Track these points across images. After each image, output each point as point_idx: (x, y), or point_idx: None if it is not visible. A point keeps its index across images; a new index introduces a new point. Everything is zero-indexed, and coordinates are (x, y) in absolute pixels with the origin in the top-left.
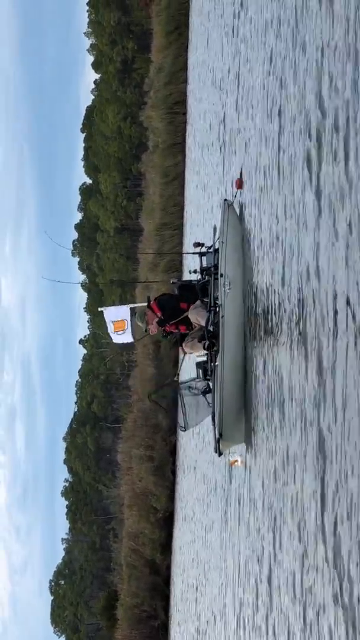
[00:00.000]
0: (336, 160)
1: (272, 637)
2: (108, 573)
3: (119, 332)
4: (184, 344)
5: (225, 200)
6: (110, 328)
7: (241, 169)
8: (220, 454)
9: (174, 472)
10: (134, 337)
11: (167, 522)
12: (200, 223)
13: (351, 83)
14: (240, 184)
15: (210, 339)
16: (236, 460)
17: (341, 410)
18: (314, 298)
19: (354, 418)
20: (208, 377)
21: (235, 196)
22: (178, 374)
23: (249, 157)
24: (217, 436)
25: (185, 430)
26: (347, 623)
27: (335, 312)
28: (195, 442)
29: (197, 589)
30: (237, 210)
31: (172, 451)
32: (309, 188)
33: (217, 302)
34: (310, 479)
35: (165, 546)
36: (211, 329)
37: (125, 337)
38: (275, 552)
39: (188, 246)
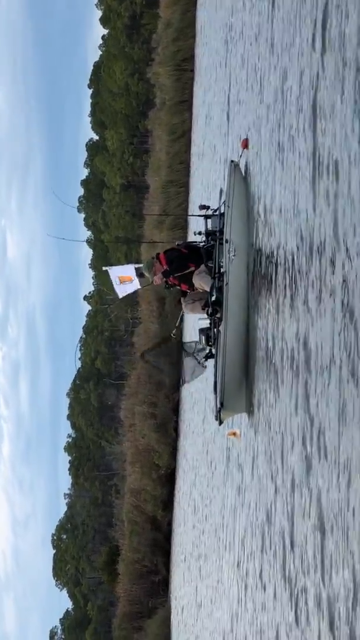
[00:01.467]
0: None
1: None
2: (110, 528)
3: (125, 283)
4: (184, 303)
5: (232, 161)
6: (116, 282)
7: (248, 129)
8: (221, 423)
9: (176, 430)
10: (140, 285)
11: (169, 479)
12: (207, 182)
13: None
14: (246, 144)
15: (214, 306)
16: (235, 433)
17: (338, 380)
18: (320, 262)
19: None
20: (210, 344)
21: (241, 156)
22: (174, 332)
23: (257, 117)
24: (219, 405)
25: (183, 384)
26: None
27: (344, 280)
28: (197, 409)
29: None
30: (243, 171)
31: (175, 409)
32: (317, 147)
33: (221, 269)
34: (305, 446)
35: (167, 503)
36: (215, 296)
37: (133, 286)
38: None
39: (194, 204)
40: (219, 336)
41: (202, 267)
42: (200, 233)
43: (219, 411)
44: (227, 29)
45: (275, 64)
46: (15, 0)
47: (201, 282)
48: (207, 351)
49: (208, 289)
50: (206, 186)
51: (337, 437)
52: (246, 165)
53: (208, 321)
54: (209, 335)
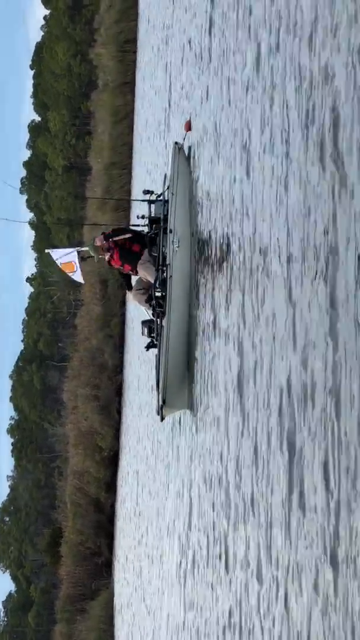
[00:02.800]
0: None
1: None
2: (53, 510)
3: (69, 273)
4: (133, 292)
5: (176, 143)
6: (60, 267)
7: (190, 111)
8: (162, 419)
9: (119, 412)
10: (83, 279)
11: (112, 461)
12: (149, 164)
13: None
14: (189, 127)
15: (157, 299)
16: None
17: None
18: (261, 251)
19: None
20: (152, 335)
21: (185, 139)
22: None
23: (199, 99)
24: (161, 402)
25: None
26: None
27: (288, 262)
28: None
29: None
30: (187, 153)
31: (118, 390)
32: (261, 130)
33: (165, 261)
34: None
35: (110, 485)
36: (158, 290)
37: (76, 277)
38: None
39: (137, 186)
40: (161, 331)
41: (146, 254)
42: (143, 217)
43: (161, 408)
44: (169, 9)
45: (216, 44)
46: None
47: (146, 272)
48: (149, 341)
49: (152, 281)
50: (149, 169)
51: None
52: (189, 148)
53: (151, 312)
54: (152, 327)
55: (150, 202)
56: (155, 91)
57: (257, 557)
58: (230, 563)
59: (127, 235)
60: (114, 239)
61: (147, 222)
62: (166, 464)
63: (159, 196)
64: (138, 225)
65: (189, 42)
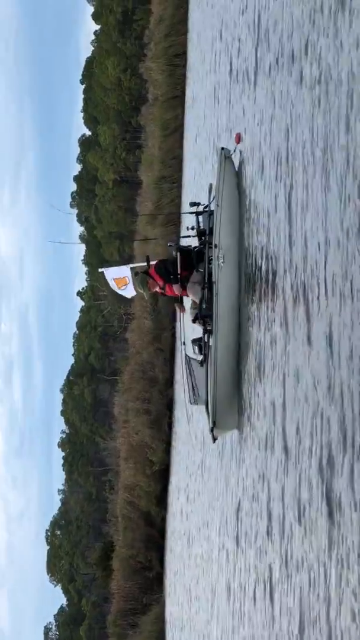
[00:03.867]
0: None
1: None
2: (104, 524)
3: (122, 288)
4: (180, 309)
5: (222, 148)
6: (113, 285)
7: (241, 124)
8: (214, 440)
9: (170, 426)
10: (136, 291)
11: (162, 475)
12: (199, 178)
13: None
14: (239, 139)
15: (204, 318)
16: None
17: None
18: (313, 268)
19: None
20: (203, 353)
21: (234, 151)
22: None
23: (250, 112)
24: (211, 425)
25: (194, 404)
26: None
27: (334, 282)
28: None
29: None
30: (236, 164)
31: (169, 404)
32: (314, 145)
33: (211, 277)
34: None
35: (161, 499)
36: (204, 308)
37: (129, 290)
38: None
39: (187, 200)
40: (209, 351)
41: (195, 275)
42: (192, 228)
43: (211, 430)
44: (220, 24)
45: (266, 56)
46: None
47: (193, 295)
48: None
49: (198, 301)
50: (198, 182)
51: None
52: (240, 160)
53: (201, 330)
54: (201, 345)
55: (197, 214)
56: (204, 104)
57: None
58: (275, 590)
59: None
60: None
61: (194, 231)
62: (215, 482)
63: (205, 207)
64: (188, 236)
65: (238, 55)
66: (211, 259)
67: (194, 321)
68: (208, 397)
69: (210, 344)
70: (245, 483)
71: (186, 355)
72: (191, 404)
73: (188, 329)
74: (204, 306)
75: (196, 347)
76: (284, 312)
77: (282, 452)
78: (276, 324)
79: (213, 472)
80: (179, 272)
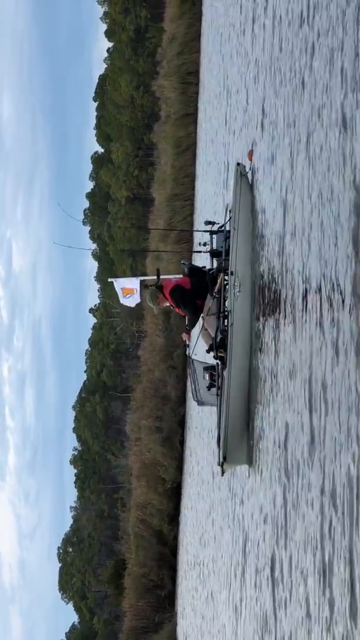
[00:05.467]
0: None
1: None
2: (116, 542)
3: (127, 296)
4: (187, 339)
5: (238, 164)
6: (120, 294)
7: (253, 141)
8: (223, 474)
9: (182, 443)
10: (141, 299)
11: (174, 492)
12: (212, 195)
13: None
14: (252, 156)
15: (219, 349)
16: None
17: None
18: (332, 297)
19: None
20: (213, 382)
21: (250, 168)
22: (187, 346)
23: (264, 128)
24: (221, 459)
25: (201, 404)
26: None
27: (352, 309)
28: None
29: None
30: (250, 181)
31: (181, 422)
32: (329, 159)
33: (226, 307)
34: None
35: (173, 517)
36: (219, 339)
37: (134, 299)
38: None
39: (199, 218)
40: (222, 383)
41: (211, 305)
42: (205, 244)
43: (221, 464)
44: (231, 42)
45: (276, 69)
46: (22, 12)
47: (209, 327)
48: (211, 385)
49: (213, 333)
50: (211, 199)
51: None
52: (253, 178)
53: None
54: (213, 375)
55: (212, 232)
56: (217, 122)
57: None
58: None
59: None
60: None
61: (208, 248)
62: (224, 511)
63: (220, 227)
64: (200, 252)
65: (249, 72)
66: (226, 286)
67: (208, 351)
68: (220, 430)
69: (224, 375)
70: (251, 518)
71: (191, 358)
72: (198, 405)
73: (197, 338)
74: (219, 336)
75: (207, 375)
76: (296, 340)
77: (288, 488)
78: (287, 355)
79: (221, 505)
80: (195, 302)
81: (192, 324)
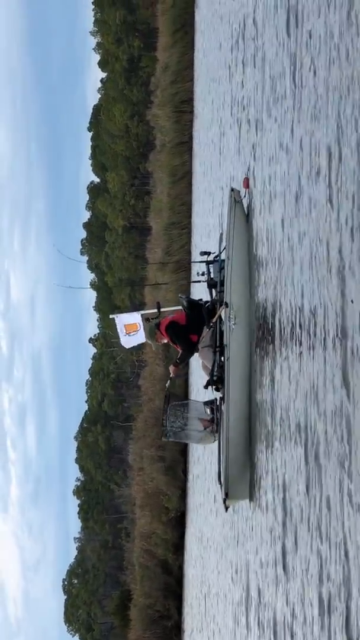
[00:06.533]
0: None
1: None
2: (121, 572)
3: (131, 334)
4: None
5: (232, 190)
6: (122, 331)
7: (248, 168)
8: (226, 509)
9: (185, 472)
10: (145, 338)
11: (179, 521)
12: (208, 224)
13: None
14: (247, 184)
15: (216, 383)
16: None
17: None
18: (327, 328)
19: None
20: (213, 416)
21: (245, 196)
22: (170, 380)
23: (257, 156)
24: (224, 496)
25: (166, 439)
26: None
27: (354, 349)
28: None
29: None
30: (245, 210)
31: (184, 451)
32: (323, 190)
33: (223, 342)
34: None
35: (178, 546)
36: (216, 375)
37: (138, 338)
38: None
39: (196, 247)
40: (221, 417)
41: (206, 337)
42: (203, 274)
43: (224, 501)
44: (225, 69)
45: (270, 96)
46: (15, 43)
47: (205, 360)
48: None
49: (210, 367)
50: (208, 229)
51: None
52: (248, 206)
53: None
54: (214, 409)
55: (207, 263)
56: (211, 149)
57: None
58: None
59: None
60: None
61: (206, 277)
62: (226, 543)
63: (216, 257)
64: (199, 281)
65: (243, 98)
66: (222, 319)
67: (205, 387)
68: (220, 467)
69: (223, 410)
70: (254, 555)
71: (168, 390)
72: (164, 438)
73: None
74: (215, 371)
75: (208, 409)
76: (297, 372)
77: (287, 526)
78: (288, 388)
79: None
80: (189, 338)
81: (183, 359)
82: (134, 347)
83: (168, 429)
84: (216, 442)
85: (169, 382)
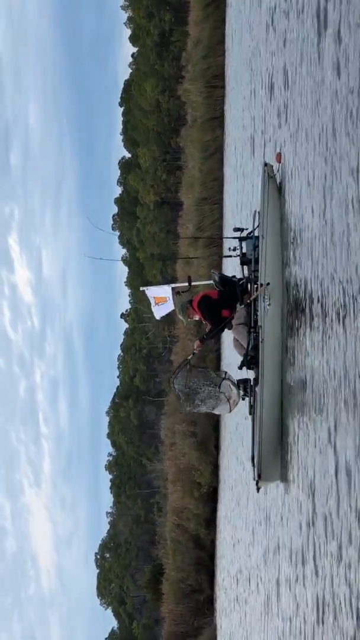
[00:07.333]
0: None
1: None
2: (153, 546)
3: (160, 304)
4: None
5: (266, 164)
6: (153, 302)
7: (282, 141)
8: (258, 490)
9: (217, 448)
10: (175, 307)
11: (211, 497)
12: (240, 199)
13: None
14: (280, 158)
15: (251, 364)
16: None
17: None
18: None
19: None
20: (247, 395)
21: (278, 171)
22: (193, 354)
23: (291, 130)
24: (256, 477)
25: (183, 412)
26: None
27: None
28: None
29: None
30: (278, 185)
31: (215, 426)
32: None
33: (257, 322)
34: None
35: (210, 521)
36: (251, 356)
37: (167, 307)
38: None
39: (228, 221)
40: (256, 399)
41: (240, 313)
42: (235, 249)
43: (256, 482)
44: (257, 44)
45: (305, 72)
46: (45, 21)
47: (239, 337)
48: (243, 399)
49: (245, 345)
50: (240, 204)
51: None
52: (281, 182)
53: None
54: (247, 389)
55: (240, 239)
56: (244, 124)
57: None
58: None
59: (222, 326)
60: (212, 331)
61: (238, 252)
62: (257, 523)
63: (249, 233)
64: (230, 256)
65: (274, 72)
66: (257, 300)
67: (240, 367)
68: (254, 449)
69: (257, 392)
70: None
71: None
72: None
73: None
74: (250, 353)
75: (241, 389)
76: (330, 353)
77: (322, 510)
78: (321, 370)
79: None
80: (217, 301)
81: (211, 335)
82: (164, 316)
83: (175, 386)
84: (247, 420)
85: (191, 355)
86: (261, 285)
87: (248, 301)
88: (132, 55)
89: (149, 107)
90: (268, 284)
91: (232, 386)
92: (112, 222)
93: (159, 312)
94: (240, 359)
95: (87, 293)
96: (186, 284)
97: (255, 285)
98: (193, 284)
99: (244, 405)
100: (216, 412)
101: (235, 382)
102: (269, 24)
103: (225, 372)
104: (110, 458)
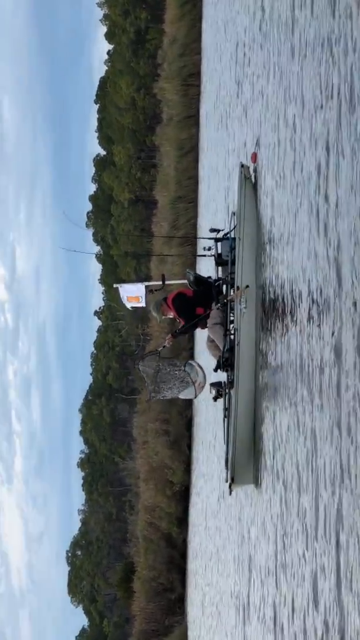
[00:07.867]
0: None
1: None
2: (124, 544)
3: (132, 303)
4: (206, 344)
5: (242, 165)
6: (125, 300)
7: (257, 142)
8: (230, 493)
9: (189, 446)
10: (148, 306)
11: (183, 495)
12: (215, 198)
13: None
14: (255, 158)
15: (225, 366)
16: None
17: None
18: (335, 309)
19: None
20: (220, 396)
21: (255, 171)
22: (163, 347)
23: (264, 129)
24: (229, 481)
25: (150, 400)
26: None
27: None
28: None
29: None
30: (254, 184)
31: (188, 425)
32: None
33: (233, 325)
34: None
35: (182, 520)
36: (226, 358)
37: (139, 305)
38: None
39: (203, 221)
40: (230, 402)
41: (215, 313)
42: (209, 248)
43: (229, 485)
44: (233, 45)
45: (279, 71)
46: (21, 16)
47: (215, 337)
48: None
49: (221, 347)
50: (214, 204)
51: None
52: (256, 181)
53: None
54: (219, 391)
55: (216, 240)
56: (219, 123)
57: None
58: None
59: (195, 322)
60: (185, 327)
61: (213, 252)
62: (228, 525)
63: (226, 235)
64: (204, 256)
65: (248, 68)
66: (232, 302)
67: (215, 370)
68: (228, 452)
69: (232, 394)
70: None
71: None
72: (149, 400)
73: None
74: (225, 355)
75: (214, 391)
76: (303, 356)
77: (288, 511)
78: (294, 374)
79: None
80: (191, 298)
81: (183, 329)
82: (135, 307)
83: (140, 367)
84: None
85: (162, 347)
86: (238, 288)
87: (225, 301)
88: (108, 53)
89: (124, 105)
90: (247, 286)
91: (198, 369)
92: (86, 220)
93: (130, 304)
94: (212, 360)
95: (60, 290)
96: (160, 282)
97: (233, 288)
98: (167, 282)
99: (215, 405)
100: (182, 396)
101: (201, 366)
102: (245, 24)
103: (193, 359)
104: (83, 455)
